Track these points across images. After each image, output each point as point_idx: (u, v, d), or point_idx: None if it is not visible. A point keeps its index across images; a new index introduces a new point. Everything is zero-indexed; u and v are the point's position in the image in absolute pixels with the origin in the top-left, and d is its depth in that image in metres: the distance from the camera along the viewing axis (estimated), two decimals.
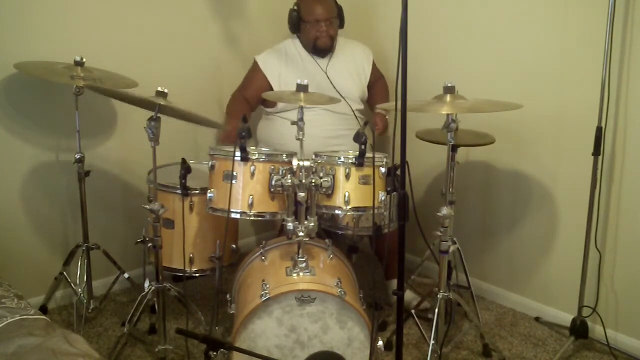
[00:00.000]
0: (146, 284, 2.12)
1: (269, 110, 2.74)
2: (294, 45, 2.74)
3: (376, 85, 2.87)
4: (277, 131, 2.70)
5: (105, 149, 2.66)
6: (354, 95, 2.73)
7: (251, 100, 2.69)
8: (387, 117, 2.75)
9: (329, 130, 2.63)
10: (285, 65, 2.69)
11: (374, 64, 2.84)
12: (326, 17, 2.62)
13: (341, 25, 2.75)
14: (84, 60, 2.26)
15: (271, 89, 2.66)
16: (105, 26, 2.56)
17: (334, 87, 2.65)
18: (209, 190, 2.06)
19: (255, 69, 2.71)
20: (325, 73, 2.67)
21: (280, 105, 2.67)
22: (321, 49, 2.67)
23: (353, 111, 2.69)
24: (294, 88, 2.01)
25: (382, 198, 2.09)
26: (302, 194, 1.92)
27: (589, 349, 2.34)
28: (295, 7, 2.70)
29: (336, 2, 2.70)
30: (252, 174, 1.99)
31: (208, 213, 2.08)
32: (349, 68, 2.75)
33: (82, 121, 2.31)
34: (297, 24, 2.68)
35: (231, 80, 2.78)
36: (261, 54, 2.72)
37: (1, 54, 2.29)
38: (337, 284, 1.89)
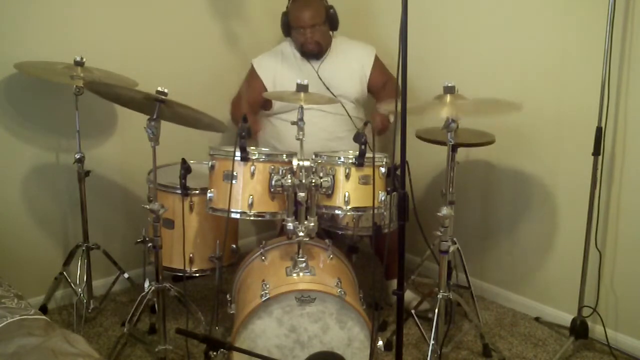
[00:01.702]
0: (146, 284, 2.12)
1: (266, 112, 2.74)
2: (290, 46, 2.74)
3: (386, 88, 2.77)
4: (276, 133, 2.70)
5: (106, 149, 2.66)
6: (350, 97, 2.71)
7: (253, 104, 2.69)
8: (389, 118, 2.72)
9: (327, 132, 2.63)
10: (281, 65, 2.69)
11: (377, 62, 2.76)
12: (310, 24, 2.59)
13: (333, 28, 2.70)
14: (84, 60, 2.26)
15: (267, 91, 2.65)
16: (105, 26, 2.56)
17: (327, 89, 2.63)
18: (209, 190, 2.06)
19: (252, 74, 2.72)
20: (317, 74, 2.65)
21: (276, 106, 2.67)
22: (308, 54, 2.67)
23: (347, 112, 2.67)
24: (288, 88, 2.00)
25: (382, 198, 2.09)
26: (302, 194, 1.92)
27: (589, 349, 2.34)
28: (286, 12, 2.68)
29: (326, 6, 2.65)
30: (252, 174, 1.99)
31: (208, 213, 2.08)
32: (344, 69, 2.72)
33: (82, 121, 2.31)
34: (287, 28, 2.69)
35: (231, 80, 2.78)
36: (257, 58, 2.73)
37: (1, 54, 2.29)
38: (337, 284, 1.89)
